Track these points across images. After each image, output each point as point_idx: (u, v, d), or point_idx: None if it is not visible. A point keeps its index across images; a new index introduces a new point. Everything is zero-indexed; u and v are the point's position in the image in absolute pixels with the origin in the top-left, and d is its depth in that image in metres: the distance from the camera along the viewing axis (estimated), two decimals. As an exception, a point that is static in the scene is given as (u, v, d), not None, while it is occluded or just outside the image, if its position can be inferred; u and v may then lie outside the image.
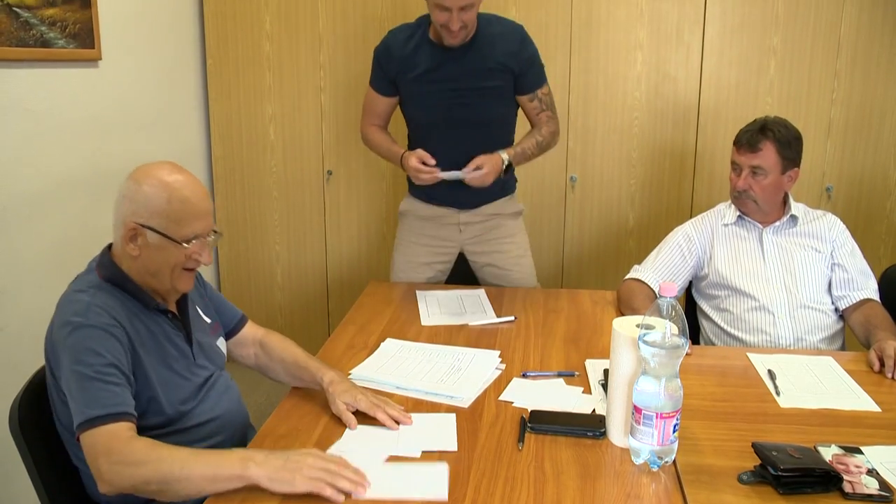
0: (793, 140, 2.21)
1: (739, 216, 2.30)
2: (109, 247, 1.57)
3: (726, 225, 2.32)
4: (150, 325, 1.53)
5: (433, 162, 2.28)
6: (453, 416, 1.60)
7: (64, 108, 2.64)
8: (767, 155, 2.17)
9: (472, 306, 2.31)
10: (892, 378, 1.81)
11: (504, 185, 2.57)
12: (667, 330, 1.34)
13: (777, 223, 2.27)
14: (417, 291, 2.44)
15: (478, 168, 2.26)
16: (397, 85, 2.47)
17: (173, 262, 1.51)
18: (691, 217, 2.45)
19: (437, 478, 1.37)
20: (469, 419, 1.60)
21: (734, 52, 3.23)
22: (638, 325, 1.40)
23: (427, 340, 2.04)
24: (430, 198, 2.55)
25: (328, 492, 1.27)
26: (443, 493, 1.32)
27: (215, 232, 1.57)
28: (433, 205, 2.54)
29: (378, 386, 1.73)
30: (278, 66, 3.50)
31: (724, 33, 3.22)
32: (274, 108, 3.54)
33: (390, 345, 2.00)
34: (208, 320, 1.72)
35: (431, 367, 1.84)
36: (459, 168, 2.28)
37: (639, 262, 2.39)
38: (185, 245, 1.50)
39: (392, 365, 1.86)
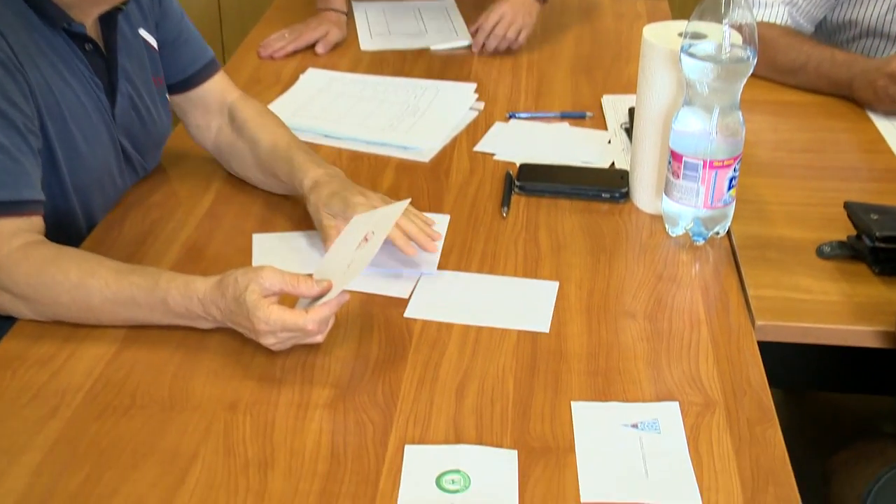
0: None
1: None
2: None
3: None
4: (54, 59, 1.08)
5: None
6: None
7: None
8: None
9: (436, 22, 1.96)
10: None
11: None
12: (725, 37, 1.05)
13: None
14: (354, 1, 2.02)
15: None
16: None
17: None
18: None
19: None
20: (431, 178, 1.33)
21: None
22: (681, 34, 1.10)
23: (368, 71, 1.69)
24: None
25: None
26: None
27: None
28: None
29: (298, 134, 1.31)
30: None
31: None
32: None
33: (314, 76, 1.65)
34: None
35: (377, 107, 1.54)
36: None
37: None
38: None
39: (318, 104, 1.54)
